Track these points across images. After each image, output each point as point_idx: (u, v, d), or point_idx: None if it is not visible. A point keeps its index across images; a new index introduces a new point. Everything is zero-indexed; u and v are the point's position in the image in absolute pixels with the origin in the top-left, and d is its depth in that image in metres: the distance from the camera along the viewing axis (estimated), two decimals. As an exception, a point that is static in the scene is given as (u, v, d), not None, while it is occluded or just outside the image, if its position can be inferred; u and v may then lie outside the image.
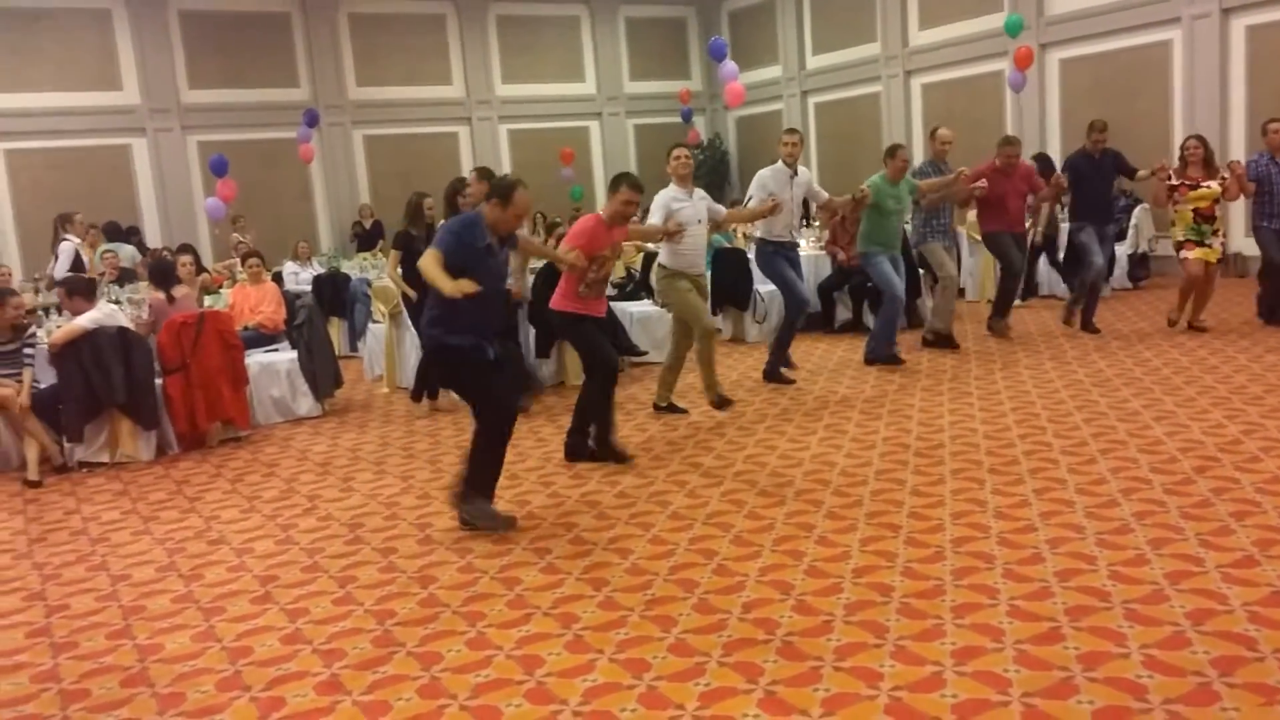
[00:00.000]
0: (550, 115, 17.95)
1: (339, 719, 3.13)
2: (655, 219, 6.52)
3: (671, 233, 6.28)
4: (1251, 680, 2.94)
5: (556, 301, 5.77)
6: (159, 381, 6.86)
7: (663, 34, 19.20)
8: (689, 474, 5.48)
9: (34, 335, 6.82)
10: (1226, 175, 8.24)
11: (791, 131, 7.61)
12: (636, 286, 9.59)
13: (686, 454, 5.88)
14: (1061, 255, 10.46)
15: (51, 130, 14.73)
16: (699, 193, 6.67)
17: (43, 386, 6.73)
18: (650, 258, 11.00)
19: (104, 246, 11.51)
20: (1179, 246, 8.31)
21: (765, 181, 7.36)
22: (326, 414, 7.85)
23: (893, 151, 7.94)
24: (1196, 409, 5.96)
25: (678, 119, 17.48)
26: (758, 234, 7.69)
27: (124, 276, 10.47)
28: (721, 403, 6.84)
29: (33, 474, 6.41)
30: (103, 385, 6.57)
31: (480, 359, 4.66)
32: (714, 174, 18.22)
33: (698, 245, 6.61)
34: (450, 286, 4.27)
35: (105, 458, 6.74)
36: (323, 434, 7.25)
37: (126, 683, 3.50)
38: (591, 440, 5.85)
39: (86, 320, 6.60)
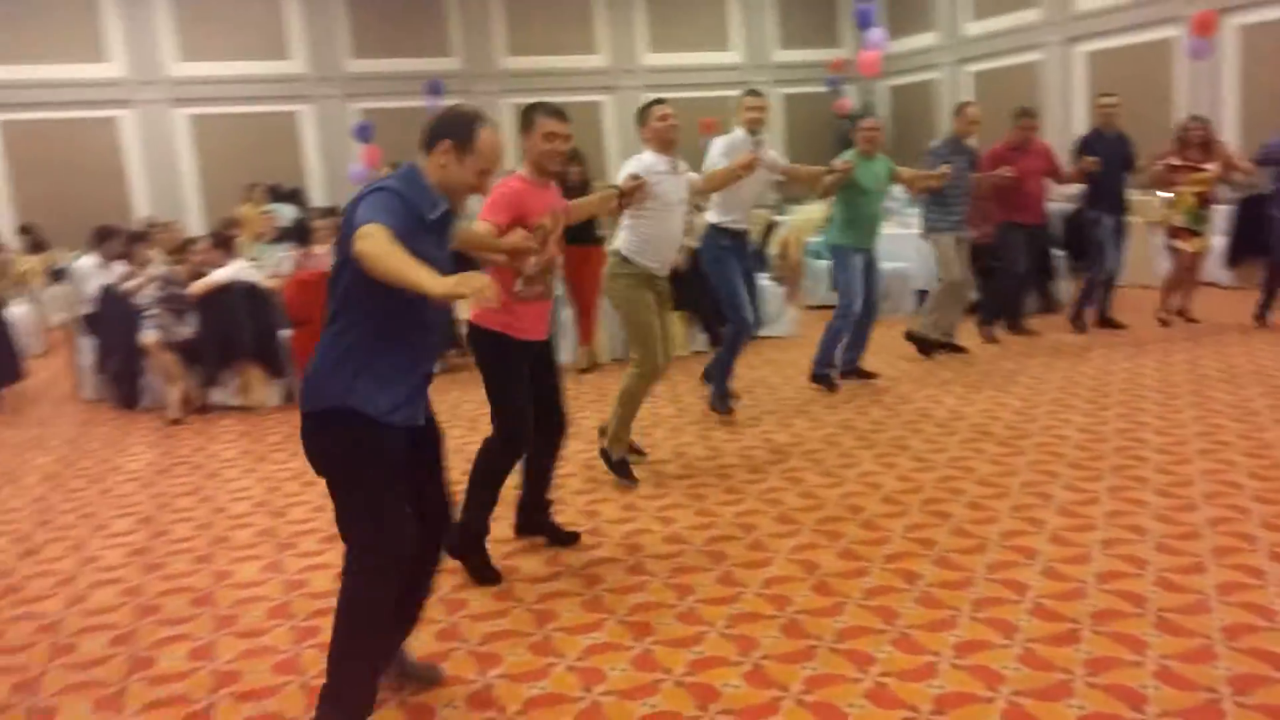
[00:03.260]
0: (694, 85, 17.95)
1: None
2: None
3: (629, 192, 4.46)
4: (1267, 702, 2.81)
5: (476, 312, 3.89)
6: (286, 334, 7.38)
7: (815, 3, 18.86)
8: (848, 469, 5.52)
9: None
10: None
11: (754, 94, 6.06)
12: (756, 259, 9.54)
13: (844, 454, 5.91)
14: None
15: (229, 97, 15.81)
16: (683, 165, 5.12)
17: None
18: (771, 228, 10.92)
19: (266, 207, 12.38)
20: (1173, 233, 7.80)
21: (726, 151, 5.83)
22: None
23: (858, 124, 6.76)
24: (1318, 413, 5.56)
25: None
26: (710, 219, 6.07)
27: (284, 235, 11.22)
28: (615, 464, 5.01)
29: (174, 412, 7.04)
30: (234, 335, 7.13)
31: (396, 443, 2.79)
32: (863, 146, 17.83)
33: (671, 233, 4.98)
34: (448, 284, 2.40)
35: (238, 401, 7.33)
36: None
37: (195, 602, 3.88)
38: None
39: (222, 274, 7.16)
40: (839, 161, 6.41)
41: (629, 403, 4.94)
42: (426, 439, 2.94)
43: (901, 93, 18.41)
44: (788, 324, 9.00)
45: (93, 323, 7.70)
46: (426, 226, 2.74)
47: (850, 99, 17.82)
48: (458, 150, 2.81)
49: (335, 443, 2.73)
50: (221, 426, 6.84)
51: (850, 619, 3.44)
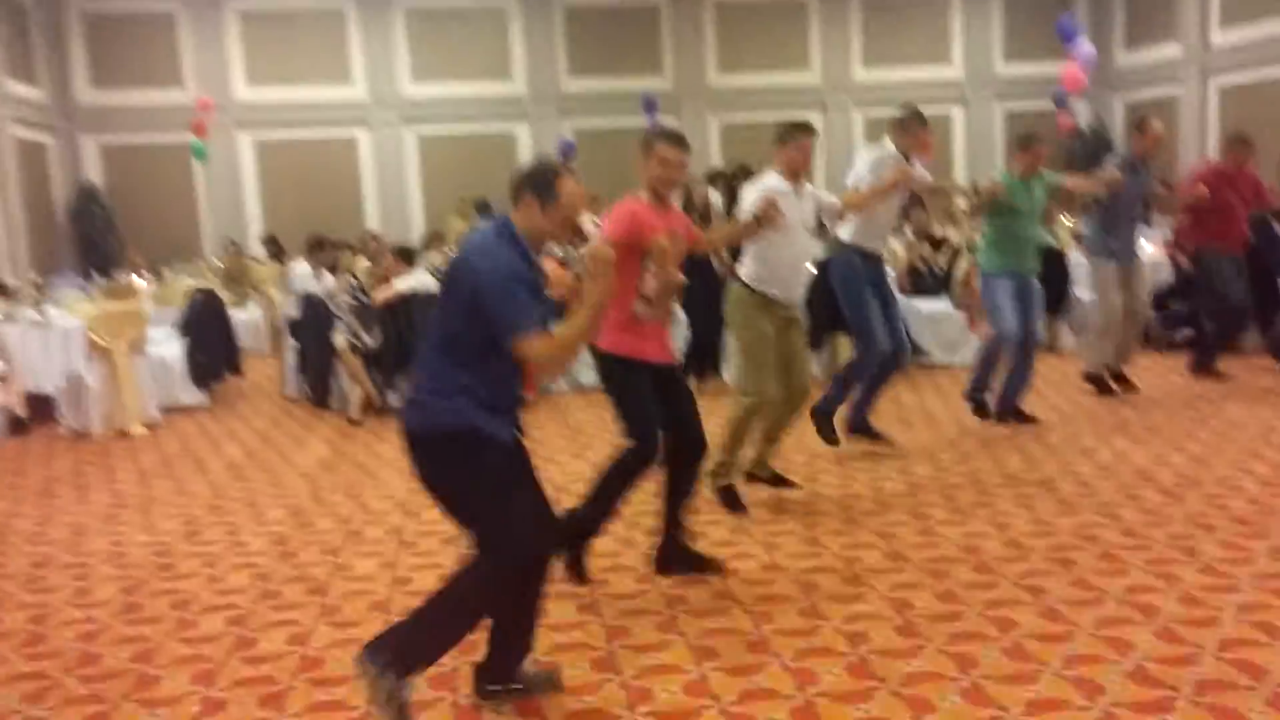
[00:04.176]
0: (910, 101, 17.43)
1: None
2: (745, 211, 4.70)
3: (764, 220, 4.38)
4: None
5: (604, 338, 3.91)
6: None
7: (1045, 11, 17.86)
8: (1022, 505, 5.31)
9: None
10: None
11: (921, 119, 5.59)
12: (936, 282, 9.20)
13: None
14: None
15: (454, 116, 16.83)
16: (810, 189, 4.98)
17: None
18: (956, 254, 10.45)
19: (473, 223, 13.26)
20: None
21: (874, 168, 5.45)
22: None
23: (1026, 142, 6.24)
24: None
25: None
26: (843, 236, 5.66)
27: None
28: (720, 490, 4.90)
29: (354, 413, 7.58)
30: (411, 341, 7.60)
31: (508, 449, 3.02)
32: (1090, 166, 16.70)
33: (795, 258, 4.87)
34: (599, 291, 2.92)
35: (412, 405, 7.78)
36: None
37: (311, 591, 4.17)
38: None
39: (402, 284, 7.65)
40: (986, 183, 6.12)
41: (735, 432, 4.81)
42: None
43: (1137, 110, 17.11)
44: (968, 353, 8.57)
45: (296, 326, 8.41)
46: (530, 280, 2.97)
47: (1073, 117, 16.78)
48: (541, 202, 3.00)
49: (453, 455, 2.92)
50: (393, 428, 7.25)
51: (924, 663, 3.25)
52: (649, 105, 16.16)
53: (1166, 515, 4.55)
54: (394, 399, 7.79)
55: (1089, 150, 17.11)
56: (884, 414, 6.43)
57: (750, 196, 4.72)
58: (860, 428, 5.92)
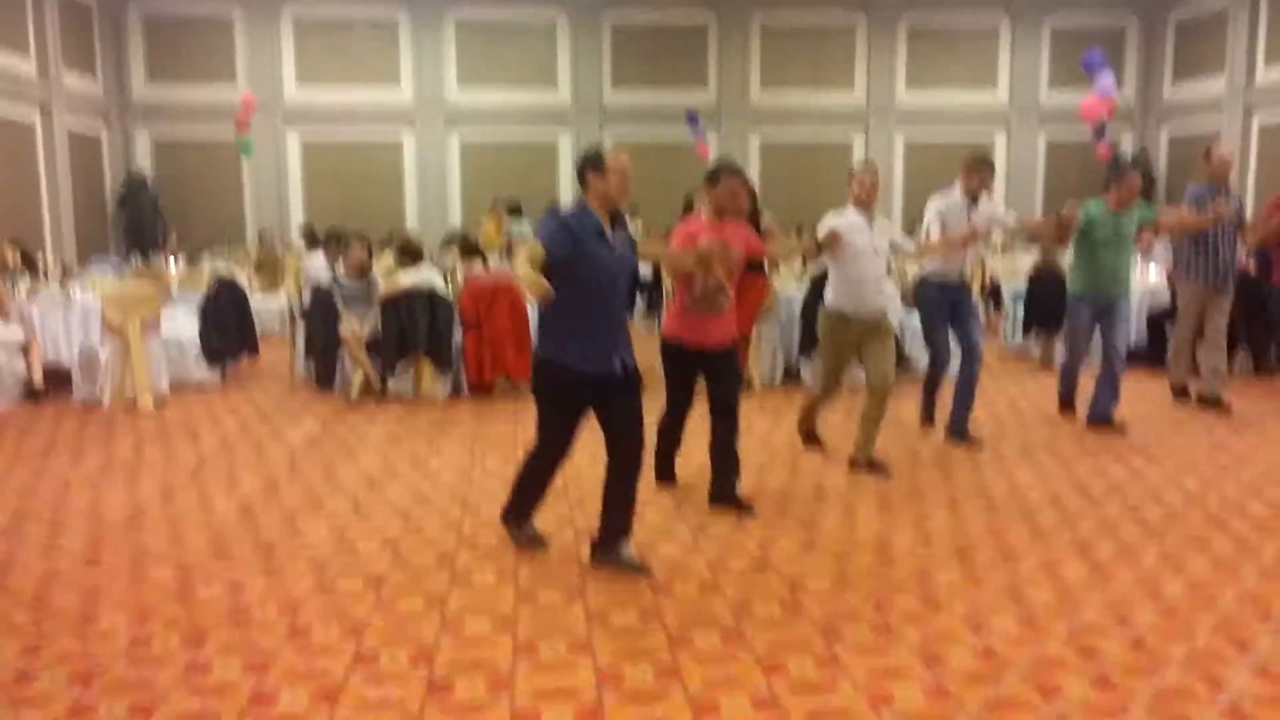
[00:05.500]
0: (953, 124, 17.39)
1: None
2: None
3: (825, 247, 5.49)
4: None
5: (665, 322, 5.08)
6: (459, 336, 8.00)
7: (1094, 40, 17.71)
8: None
9: (375, 282, 8.26)
10: None
11: (987, 163, 6.28)
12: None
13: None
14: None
15: (498, 122, 17.19)
16: (882, 220, 5.76)
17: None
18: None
19: (507, 224, 13.71)
20: None
21: (944, 213, 6.20)
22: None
23: (1120, 175, 6.56)
24: None
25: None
26: (924, 269, 6.48)
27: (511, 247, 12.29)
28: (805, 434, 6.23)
29: (353, 396, 7.83)
30: (410, 332, 7.83)
31: (583, 389, 4.04)
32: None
33: (866, 279, 5.59)
34: (535, 286, 3.75)
35: (410, 392, 8.03)
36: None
37: (259, 549, 4.37)
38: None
39: (406, 279, 7.89)
40: (1065, 208, 6.45)
41: (805, 414, 6.23)
42: (624, 390, 4.05)
43: (1180, 144, 16.95)
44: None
45: (306, 314, 8.69)
46: (588, 236, 3.92)
47: (1111, 145, 16.60)
48: (597, 173, 3.99)
49: (538, 379, 4.09)
50: (388, 412, 7.52)
51: (1003, 689, 3.33)
52: (692, 119, 16.35)
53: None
54: (394, 385, 8.03)
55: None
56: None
57: (824, 225, 5.57)
58: (958, 432, 6.48)
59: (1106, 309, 6.55)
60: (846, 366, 5.88)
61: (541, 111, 17.24)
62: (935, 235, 6.15)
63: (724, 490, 5.01)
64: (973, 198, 6.18)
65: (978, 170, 6.18)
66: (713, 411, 4.98)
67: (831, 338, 5.78)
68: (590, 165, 4.01)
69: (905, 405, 7.29)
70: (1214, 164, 7.15)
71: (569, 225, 3.90)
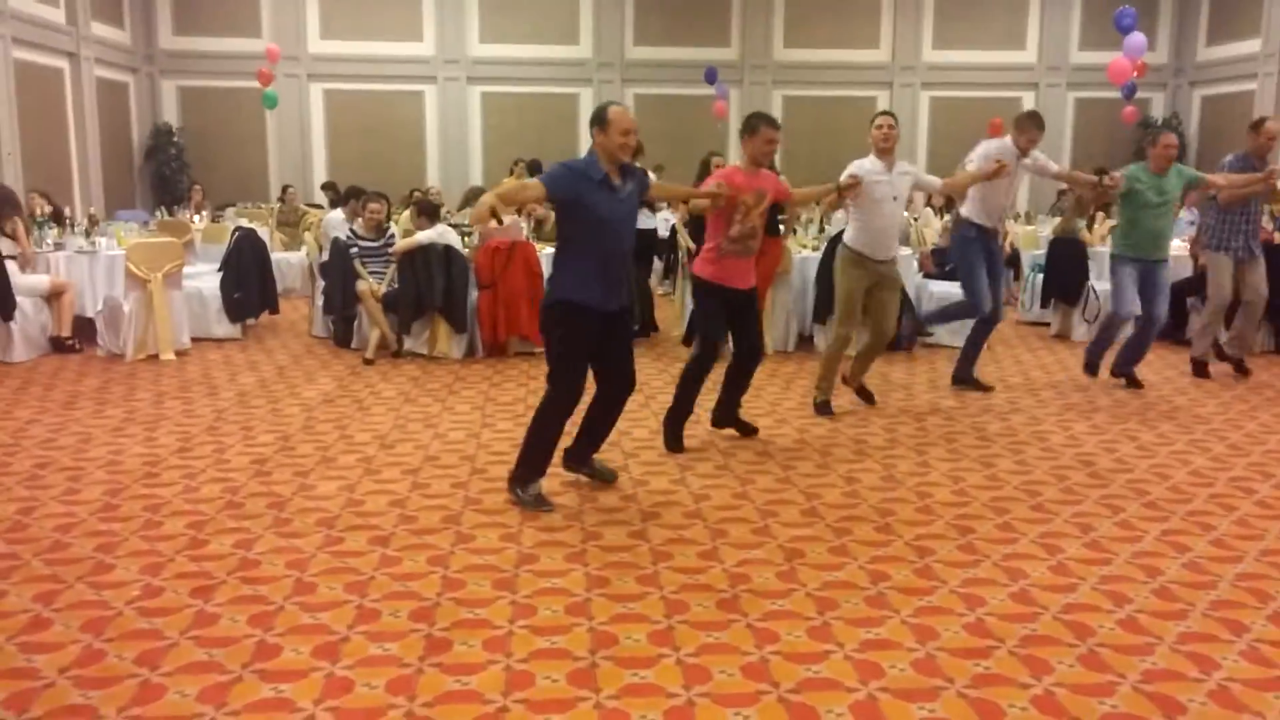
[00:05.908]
0: (980, 84, 17.18)
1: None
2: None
3: (845, 190, 5.80)
4: None
5: (697, 265, 5.45)
6: (474, 295, 8.07)
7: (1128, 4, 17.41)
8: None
9: (392, 237, 8.33)
10: None
11: (1037, 121, 6.51)
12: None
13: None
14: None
15: (519, 77, 17.13)
16: (901, 166, 6.05)
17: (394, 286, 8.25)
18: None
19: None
20: None
21: (984, 156, 6.41)
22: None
23: (1154, 138, 6.74)
24: None
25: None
26: (963, 211, 6.69)
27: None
28: (818, 405, 6.27)
29: (369, 353, 7.94)
30: (427, 290, 7.91)
31: (592, 323, 4.36)
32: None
33: (885, 225, 5.99)
34: (483, 210, 4.08)
35: (426, 351, 8.13)
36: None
37: (271, 504, 4.50)
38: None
39: (423, 236, 7.96)
40: (1108, 177, 6.65)
41: (827, 363, 6.28)
42: (620, 324, 4.50)
43: (1213, 104, 16.66)
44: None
45: (325, 269, 8.79)
46: (595, 186, 4.26)
47: (1136, 109, 16.34)
48: (599, 129, 4.31)
49: (549, 319, 4.39)
50: (402, 371, 7.63)
51: (994, 665, 3.41)
52: (711, 76, 16.24)
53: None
54: (410, 343, 8.13)
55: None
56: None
57: (846, 173, 5.89)
58: (963, 378, 6.90)
59: (1148, 273, 6.67)
60: (858, 310, 6.12)
61: (563, 67, 17.16)
62: (972, 168, 6.39)
63: (728, 414, 5.65)
64: (1023, 153, 6.44)
65: (1028, 128, 6.41)
66: (736, 350, 5.49)
67: (846, 274, 6.07)
68: (594, 121, 4.33)
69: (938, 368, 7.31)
70: (1263, 137, 7.09)
71: (573, 170, 4.28)
